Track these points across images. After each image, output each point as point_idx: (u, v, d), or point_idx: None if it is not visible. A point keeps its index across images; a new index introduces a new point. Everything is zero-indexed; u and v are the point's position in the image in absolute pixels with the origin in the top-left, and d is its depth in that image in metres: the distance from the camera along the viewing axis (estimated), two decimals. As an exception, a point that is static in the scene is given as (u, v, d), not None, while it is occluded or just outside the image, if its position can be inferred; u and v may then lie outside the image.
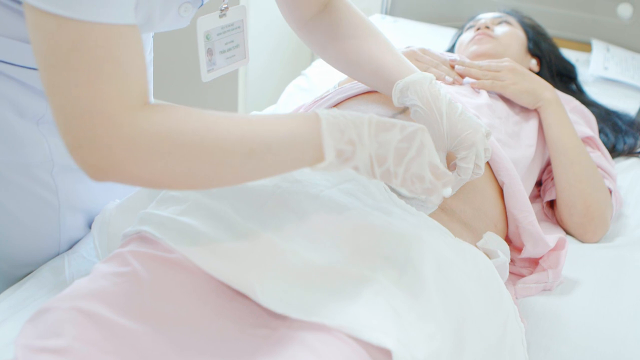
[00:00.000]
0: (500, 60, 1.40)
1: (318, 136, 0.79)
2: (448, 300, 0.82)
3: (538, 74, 1.62)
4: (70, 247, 1.14)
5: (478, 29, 1.60)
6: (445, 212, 1.02)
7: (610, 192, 1.34)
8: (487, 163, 1.13)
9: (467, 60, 1.42)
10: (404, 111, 1.11)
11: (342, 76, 1.45)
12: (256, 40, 2.38)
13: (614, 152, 1.58)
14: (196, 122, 0.74)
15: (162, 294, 0.80)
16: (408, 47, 1.43)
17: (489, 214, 1.09)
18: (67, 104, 0.69)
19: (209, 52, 1.02)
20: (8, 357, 0.79)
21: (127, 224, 0.97)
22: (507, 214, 1.13)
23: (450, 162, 1.01)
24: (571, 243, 1.29)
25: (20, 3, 0.91)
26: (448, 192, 0.85)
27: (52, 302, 0.78)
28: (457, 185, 0.99)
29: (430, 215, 0.98)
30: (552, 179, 1.37)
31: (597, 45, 2.22)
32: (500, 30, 1.60)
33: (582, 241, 1.31)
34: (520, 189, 1.11)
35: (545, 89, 1.36)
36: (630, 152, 1.59)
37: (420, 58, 1.37)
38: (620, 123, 1.64)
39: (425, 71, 1.33)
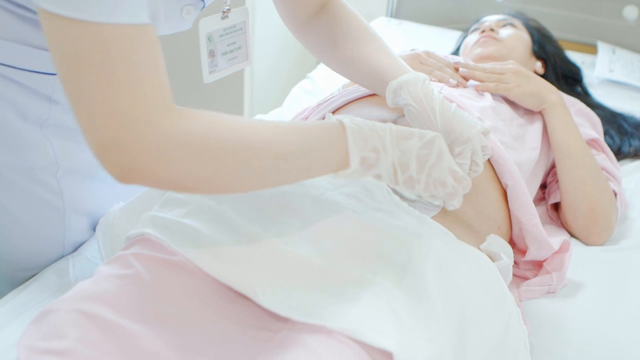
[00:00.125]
0: (504, 63, 1.40)
1: (343, 143, 0.80)
2: (449, 302, 0.82)
3: (543, 76, 1.62)
4: (75, 250, 1.15)
5: (483, 31, 1.59)
6: (448, 215, 1.02)
7: (615, 194, 1.34)
8: (491, 165, 1.13)
9: (471, 63, 1.42)
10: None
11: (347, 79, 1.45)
12: (262, 43, 2.39)
13: (620, 154, 1.58)
14: (223, 125, 0.74)
15: (165, 296, 0.81)
16: (412, 49, 1.43)
17: (492, 216, 1.09)
18: (92, 107, 0.69)
19: (211, 53, 1.03)
20: (12, 358, 0.80)
21: (131, 226, 0.97)
22: (511, 216, 1.13)
23: None
24: (576, 246, 1.29)
25: (23, 7, 0.92)
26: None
27: (55, 304, 0.79)
28: None
29: (433, 217, 0.98)
30: (557, 181, 1.36)
31: (602, 48, 2.21)
32: (505, 32, 1.59)
33: (586, 244, 1.30)
34: (524, 192, 1.11)
35: (549, 91, 1.36)
36: (635, 155, 1.58)
37: (424, 61, 1.37)
38: (625, 125, 1.63)
39: (429, 74, 1.33)
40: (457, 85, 1.35)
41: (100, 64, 0.68)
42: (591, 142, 1.42)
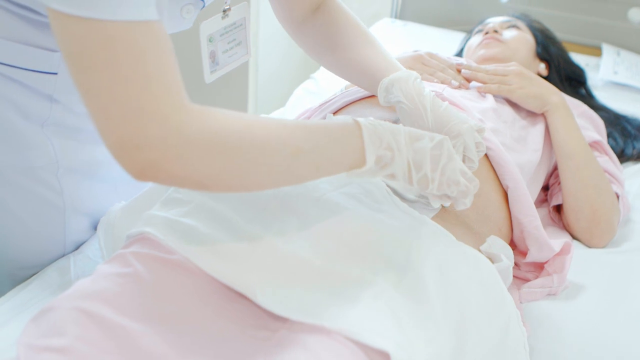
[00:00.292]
0: (507, 65, 1.40)
1: (359, 142, 0.81)
2: (449, 303, 0.82)
3: (547, 78, 1.62)
4: (76, 249, 1.15)
5: (486, 33, 1.59)
6: (448, 216, 1.02)
7: (618, 197, 1.33)
8: (492, 167, 1.13)
9: (474, 64, 1.42)
10: None
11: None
12: (267, 44, 2.39)
13: (623, 156, 1.57)
14: (238, 123, 0.75)
15: (164, 295, 0.81)
16: (415, 51, 1.43)
17: (493, 217, 1.09)
18: (103, 105, 0.69)
19: (212, 54, 1.03)
20: (12, 356, 0.80)
21: (132, 225, 0.98)
22: (512, 218, 1.13)
23: None
24: (577, 248, 1.28)
25: (24, 7, 0.92)
26: (448, 202, 0.91)
27: (54, 302, 0.79)
28: None
29: (434, 218, 0.98)
30: (559, 183, 1.36)
31: (607, 50, 2.21)
32: (508, 34, 1.59)
33: (588, 246, 1.30)
34: (525, 193, 1.11)
35: (552, 93, 1.36)
36: (639, 157, 1.58)
37: (426, 62, 1.37)
38: (629, 127, 1.63)
39: (431, 75, 1.33)
40: (459, 87, 1.35)
41: (107, 62, 0.68)
42: (594, 145, 1.42)
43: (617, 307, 1.12)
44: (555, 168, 1.40)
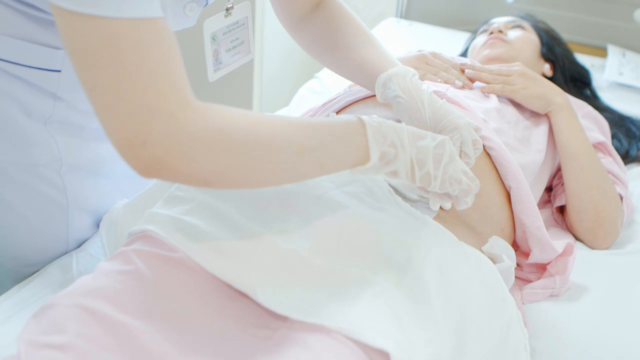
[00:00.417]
0: (510, 65, 1.40)
1: (362, 139, 0.82)
2: (449, 303, 0.82)
3: (551, 78, 1.61)
4: (79, 246, 1.15)
5: (491, 33, 1.59)
6: (450, 216, 1.01)
7: (622, 198, 1.33)
8: (495, 167, 1.13)
9: (478, 65, 1.41)
10: None
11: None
12: (271, 43, 2.39)
13: (627, 158, 1.57)
14: (245, 120, 0.75)
15: (165, 293, 0.81)
16: (419, 51, 1.43)
17: (495, 218, 1.09)
18: (108, 102, 0.69)
19: (215, 52, 1.03)
20: (13, 352, 0.80)
21: (134, 223, 0.98)
22: (515, 218, 1.12)
23: None
24: (581, 249, 1.28)
25: (27, 5, 0.92)
26: (448, 205, 0.91)
27: (55, 299, 0.79)
28: None
29: (436, 218, 0.98)
30: (563, 184, 1.36)
31: (612, 51, 2.20)
32: (513, 34, 1.59)
33: (592, 247, 1.30)
34: (527, 194, 1.11)
35: (556, 93, 1.35)
36: (643, 158, 1.58)
37: (430, 62, 1.37)
38: (634, 129, 1.62)
39: (435, 75, 1.33)
40: (462, 87, 1.34)
41: (112, 59, 0.68)
42: (598, 146, 1.41)
43: (620, 308, 1.11)
44: (559, 169, 1.40)
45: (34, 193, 1.05)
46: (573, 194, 1.29)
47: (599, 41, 2.30)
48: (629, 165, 1.57)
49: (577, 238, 1.32)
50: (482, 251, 1.00)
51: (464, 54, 1.76)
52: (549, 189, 1.44)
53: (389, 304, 0.79)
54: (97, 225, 1.16)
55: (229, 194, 0.91)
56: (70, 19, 0.68)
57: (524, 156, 1.22)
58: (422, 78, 1.34)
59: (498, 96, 1.35)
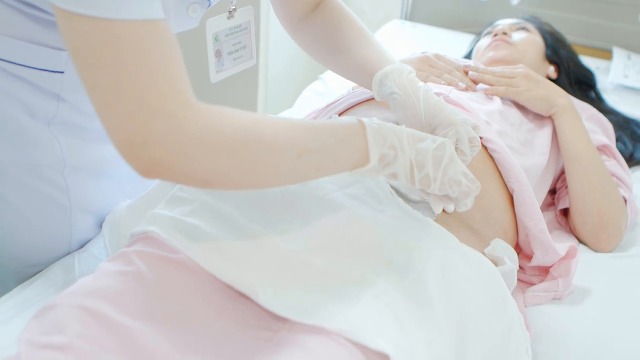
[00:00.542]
0: (514, 67, 1.39)
1: (362, 141, 0.82)
2: (450, 305, 0.82)
3: (556, 81, 1.61)
4: (81, 247, 1.15)
5: (495, 35, 1.59)
6: (452, 218, 1.01)
7: (625, 201, 1.32)
8: (497, 170, 1.12)
9: (481, 67, 1.41)
10: None
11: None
12: (276, 45, 2.39)
13: (632, 160, 1.56)
14: (246, 122, 0.75)
15: (166, 294, 0.81)
16: (423, 52, 1.43)
17: (498, 220, 1.08)
18: (109, 103, 0.69)
19: (217, 53, 1.03)
20: (14, 352, 0.80)
21: (137, 224, 0.98)
22: (517, 221, 1.12)
23: None
24: (584, 252, 1.28)
25: (31, 6, 0.93)
26: (450, 207, 0.91)
27: (56, 300, 0.80)
28: None
29: (438, 221, 0.98)
30: (566, 187, 1.35)
31: (618, 53, 2.19)
32: (517, 36, 1.59)
33: (595, 250, 1.29)
34: (530, 197, 1.10)
35: (559, 95, 1.35)
36: (648, 161, 1.57)
37: (434, 64, 1.37)
38: (639, 131, 1.62)
39: (438, 77, 1.33)
40: (466, 89, 1.34)
41: (113, 60, 0.68)
42: (602, 148, 1.41)
43: (623, 312, 1.11)
44: (563, 171, 1.39)
45: (36, 194, 1.05)
46: (577, 197, 1.29)
47: (604, 43, 2.29)
48: (634, 168, 1.57)
49: (580, 241, 1.31)
50: (484, 254, 1.00)
51: (468, 56, 1.75)
52: (553, 192, 1.44)
53: (390, 306, 0.78)
54: (100, 226, 1.16)
55: (231, 195, 0.91)
56: (71, 20, 0.68)
57: (527, 159, 1.21)
58: (425, 80, 1.34)
59: (501, 98, 1.35)
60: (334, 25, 1.09)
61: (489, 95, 1.35)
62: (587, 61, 1.82)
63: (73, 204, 1.09)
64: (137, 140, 0.70)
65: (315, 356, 0.73)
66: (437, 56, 1.40)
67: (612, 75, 2.06)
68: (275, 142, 0.76)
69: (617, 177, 1.36)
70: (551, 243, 1.10)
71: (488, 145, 1.13)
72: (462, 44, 2.10)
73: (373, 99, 1.23)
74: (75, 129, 1.05)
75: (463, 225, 1.02)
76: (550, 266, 1.14)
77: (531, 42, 1.58)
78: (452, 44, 2.21)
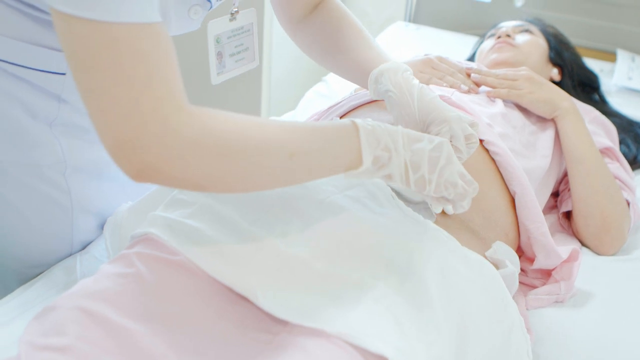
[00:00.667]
0: (517, 69, 1.39)
1: (356, 142, 0.81)
2: (450, 307, 0.81)
3: (560, 83, 1.60)
4: (83, 249, 1.16)
5: (499, 37, 1.59)
6: (453, 221, 1.01)
7: (628, 204, 1.32)
8: (499, 172, 1.12)
9: (484, 69, 1.41)
10: None
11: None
12: (279, 46, 2.39)
13: (635, 163, 1.56)
14: (236, 124, 0.75)
15: (166, 296, 0.81)
16: (425, 55, 1.43)
17: (499, 223, 1.08)
18: (103, 106, 0.69)
19: (219, 55, 1.03)
20: (14, 354, 0.81)
21: (139, 225, 0.98)
22: (519, 224, 1.12)
23: None
24: (586, 255, 1.27)
25: (34, 7, 0.93)
26: (449, 209, 0.90)
27: (57, 301, 0.80)
28: None
29: (438, 223, 0.98)
30: (569, 189, 1.35)
31: (622, 55, 2.19)
32: (521, 38, 1.58)
33: (598, 253, 1.29)
34: (532, 199, 1.10)
35: (562, 98, 1.35)
36: (652, 164, 1.56)
37: (436, 66, 1.37)
38: (643, 134, 1.61)
39: (440, 79, 1.33)
40: (468, 91, 1.34)
41: (109, 63, 0.68)
42: (605, 151, 1.41)
43: (625, 315, 1.10)
44: (566, 174, 1.39)
45: (38, 194, 1.05)
46: (579, 199, 1.29)
47: (608, 45, 2.29)
48: (637, 171, 1.56)
49: (583, 244, 1.31)
50: (485, 256, 0.99)
51: (472, 58, 1.75)
52: (556, 195, 1.43)
53: (390, 309, 0.78)
54: (102, 228, 1.17)
55: (232, 198, 0.91)
56: (69, 22, 0.68)
57: (530, 161, 1.21)
58: (428, 82, 1.34)
59: (504, 101, 1.34)
60: (333, 26, 1.10)
61: (491, 97, 1.34)
62: (591, 63, 1.81)
63: (74, 205, 1.09)
64: (129, 144, 0.69)
65: (314, 359, 0.73)
66: (440, 58, 1.39)
67: (616, 78, 2.06)
68: (267, 144, 0.76)
69: (620, 180, 1.35)
70: (553, 246, 1.10)
71: (490, 147, 1.13)
72: (466, 46, 2.10)
73: (375, 101, 1.23)
74: (77, 130, 1.06)
75: (464, 227, 1.02)
76: (553, 269, 1.13)
77: (534, 45, 1.58)
78: (455, 46, 2.20)
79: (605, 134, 1.47)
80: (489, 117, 1.23)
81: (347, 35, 1.08)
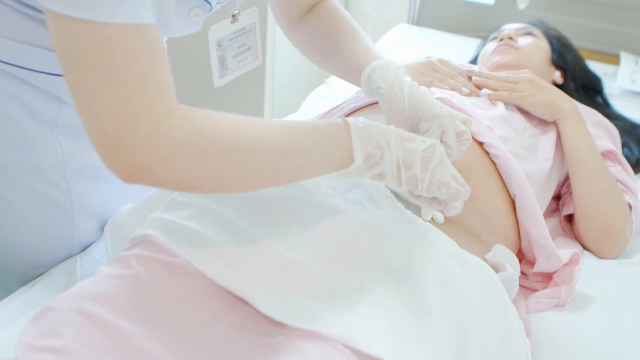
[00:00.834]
0: (518, 72, 1.39)
1: (347, 140, 0.81)
2: (449, 312, 0.81)
3: (562, 86, 1.60)
4: (84, 250, 1.16)
5: (501, 39, 1.58)
6: (453, 224, 1.01)
7: (630, 207, 1.31)
8: (500, 175, 1.12)
9: (486, 71, 1.41)
10: None
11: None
12: (282, 48, 2.39)
13: (638, 166, 1.55)
14: (228, 124, 0.75)
15: (164, 297, 0.81)
16: (427, 57, 1.42)
17: (500, 226, 1.08)
18: (94, 106, 0.69)
19: (221, 58, 1.04)
20: (12, 355, 0.81)
21: (139, 227, 0.98)
22: (520, 227, 1.11)
23: None
24: (588, 259, 1.27)
25: (35, 9, 0.93)
26: (440, 217, 0.92)
27: (54, 303, 0.80)
28: None
29: (438, 226, 0.97)
30: (571, 193, 1.34)
31: (625, 58, 2.18)
32: (523, 41, 1.58)
33: (599, 257, 1.28)
34: (532, 202, 1.10)
35: (564, 100, 1.34)
36: (655, 167, 1.56)
37: (437, 69, 1.37)
38: (646, 137, 1.61)
39: (442, 82, 1.33)
40: (469, 94, 1.34)
41: (102, 64, 0.68)
42: (607, 154, 1.40)
43: (627, 319, 1.10)
44: (568, 177, 1.39)
45: (38, 195, 1.05)
46: (581, 202, 1.28)
47: (612, 48, 2.28)
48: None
49: (585, 247, 1.30)
50: (485, 259, 0.99)
51: (474, 61, 1.75)
52: (558, 198, 1.43)
53: (388, 313, 0.78)
54: (102, 229, 1.17)
55: (231, 200, 0.91)
56: (63, 23, 0.68)
57: (531, 164, 1.21)
58: (429, 85, 1.34)
59: (505, 104, 1.34)
60: (329, 27, 1.10)
61: (492, 100, 1.34)
62: (595, 66, 1.81)
63: (75, 207, 1.09)
64: (121, 145, 0.69)
65: (311, 362, 0.73)
66: (441, 61, 1.39)
67: (620, 80, 2.05)
68: (259, 143, 0.76)
69: (622, 183, 1.35)
70: (554, 249, 1.09)
71: (490, 150, 1.13)
72: (469, 49, 2.09)
73: (376, 103, 1.22)
74: (77, 131, 1.06)
75: (464, 230, 1.02)
76: (554, 272, 1.13)
77: (537, 47, 1.57)
78: (458, 49, 2.20)
79: (608, 137, 1.47)
80: (490, 119, 1.23)
81: (343, 35, 1.08)
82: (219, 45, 1.05)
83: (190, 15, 0.95)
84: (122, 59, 0.69)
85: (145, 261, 0.84)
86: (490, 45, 1.62)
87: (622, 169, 1.39)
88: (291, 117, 1.85)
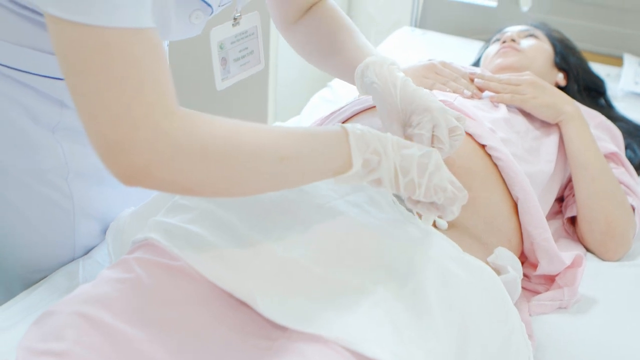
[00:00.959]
0: (520, 74, 1.39)
1: (345, 146, 0.82)
2: (450, 313, 0.81)
3: (565, 88, 1.60)
4: (86, 254, 1.16)
5: (504, 42, 1.58)
6: (455, 226, 1.01)
7: (634, 209, 1.31)
8: (502, 177, 1.12)
9: (487, 74, 1.40)
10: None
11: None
12: (285, 51, 2.40)
13: (641, 168, 1.55)
14: (228, 129, 0.75)
15: (165, 301, 0.81)
16: (429, 60, 1.43)
17: (502, 228, 1.08)
18: (94, 109, 0.70)
19: (223, 61, 1.04)
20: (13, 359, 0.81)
21: (141, 231, 0.98)
22: (522, 229, 1.11)
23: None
24: (591, 261, 1.26)
25: (37, 13, 0.93)
26: (443, 223, 0.92)
27: (55, 306, 0.80)
28: None
29: (441, 229, 0.97)
30: (574, 195, 1.34)
31: (628, 60, 2.18)
32: (526, 43, 1.58)
33: (602, 259, 1.28)
34: (535, 205, 1.10)
35: (566, 102, 1.34)
36: (658, 169, 1.55)
37: (439, 71, 1.37)
38: (649, 139, 1.60)
39: (444, 84, 1.33)
40: (471, 96, 1.34)
41: (101, 67, 0.69)
42: (610, 156, 1.40)
43: (630, 321, 1.10)
44: (570, 179, 1.38)
45: (40, 199, 1.06)
46: (584, 205, 1.28)
47: (615, 50, 2.28)
48: (643, 176, 1.55)
49: (587, 249, 1.30)
50: (487, 262, 0.99)
51: (477, 63, 1.75)
52: (561, 200, 1.42)
53: (389, 314, 0.78)
54: (104, 233, 1.17)
55: (232, 204, 0.91)
56: (63, 26, 0.68)
57: (533, 166, 1.20)
58: (431, 87, 1.34)
59: (508, 106, 1.34)
60: (326, 27, 1.10)
61: (494, 102, 1.34)
62: (598, 68, 1.80)
63: (77, 210, 1.09)
64: (120, 148, 0.70)
65: (312, 365, 0.73)
66: (443, 63, 1.39)
67: (623, 82, 2.04)
68: (258, 148, 0.76)
69: (625, 185, 1.34)
70: (556, 252, 1.09)
71: (492, 153, 1.12)
72: (472, 51, 2.09)
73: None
74: (79, 135, 1.06)
75: (466, 233, 1.02)
76: (556, 275, 1.13)
77: (540, 49, 1.57)
78: (461, 51, 2.20)
79: (611, 139, 1.46)
80: (492, 122, 1.23)
81: (341, 36, 1.08)
82: (221, 47, 1.05)
83: (191, 19, 0.95)
84: (121, 63, 0.69)
85: (147, 264, 0.84)
86: (493, 48, 1.62)
87: (625, 171, 1.38)
88: (294, 121, 1.85)
